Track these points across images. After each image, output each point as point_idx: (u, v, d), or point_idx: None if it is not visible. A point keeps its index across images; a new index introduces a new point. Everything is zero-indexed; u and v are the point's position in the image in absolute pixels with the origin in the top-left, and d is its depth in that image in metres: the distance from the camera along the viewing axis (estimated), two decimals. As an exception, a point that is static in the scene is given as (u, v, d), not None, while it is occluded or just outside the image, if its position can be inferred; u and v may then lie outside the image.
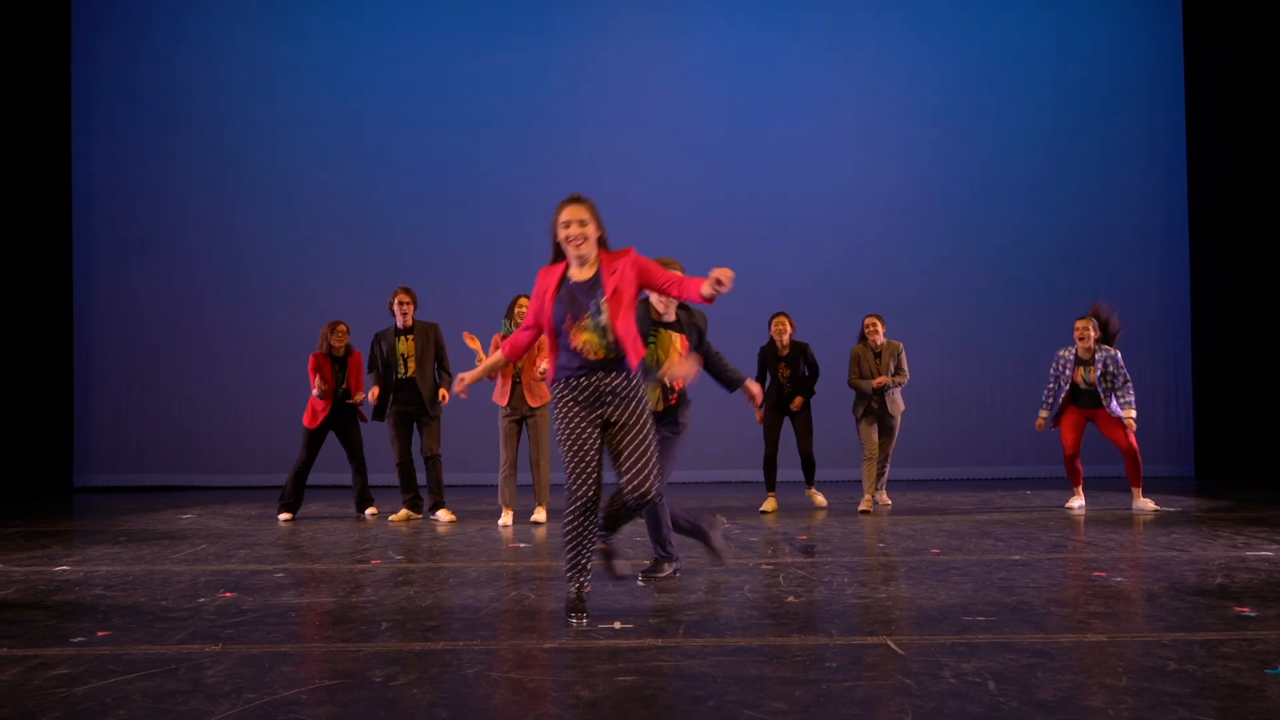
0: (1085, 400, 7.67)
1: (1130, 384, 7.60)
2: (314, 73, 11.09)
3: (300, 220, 10.97)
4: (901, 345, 7.91)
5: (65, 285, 10.76)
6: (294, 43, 11.11)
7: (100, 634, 3.70)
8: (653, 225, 10.63)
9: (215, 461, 10.71)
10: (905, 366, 7.85)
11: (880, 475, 7.95)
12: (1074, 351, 7.69)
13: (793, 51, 11.15)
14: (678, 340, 4.66)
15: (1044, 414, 7.80)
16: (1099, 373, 7.56)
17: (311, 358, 7.69)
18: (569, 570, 3.92)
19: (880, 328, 7.82)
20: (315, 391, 7.59)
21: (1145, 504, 7.61)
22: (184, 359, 10.84)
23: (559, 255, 3.96)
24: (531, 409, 7.04)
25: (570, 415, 3.87)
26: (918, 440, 10.07)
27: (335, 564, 5.41)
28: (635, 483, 3.84)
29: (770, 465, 7.89)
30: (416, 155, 11.01)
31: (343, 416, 7.79)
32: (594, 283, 3.88)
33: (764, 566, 5.13)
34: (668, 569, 4.74)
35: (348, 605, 4.21)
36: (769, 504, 7.81)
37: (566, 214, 3.89)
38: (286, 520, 7.48)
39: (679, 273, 4.04)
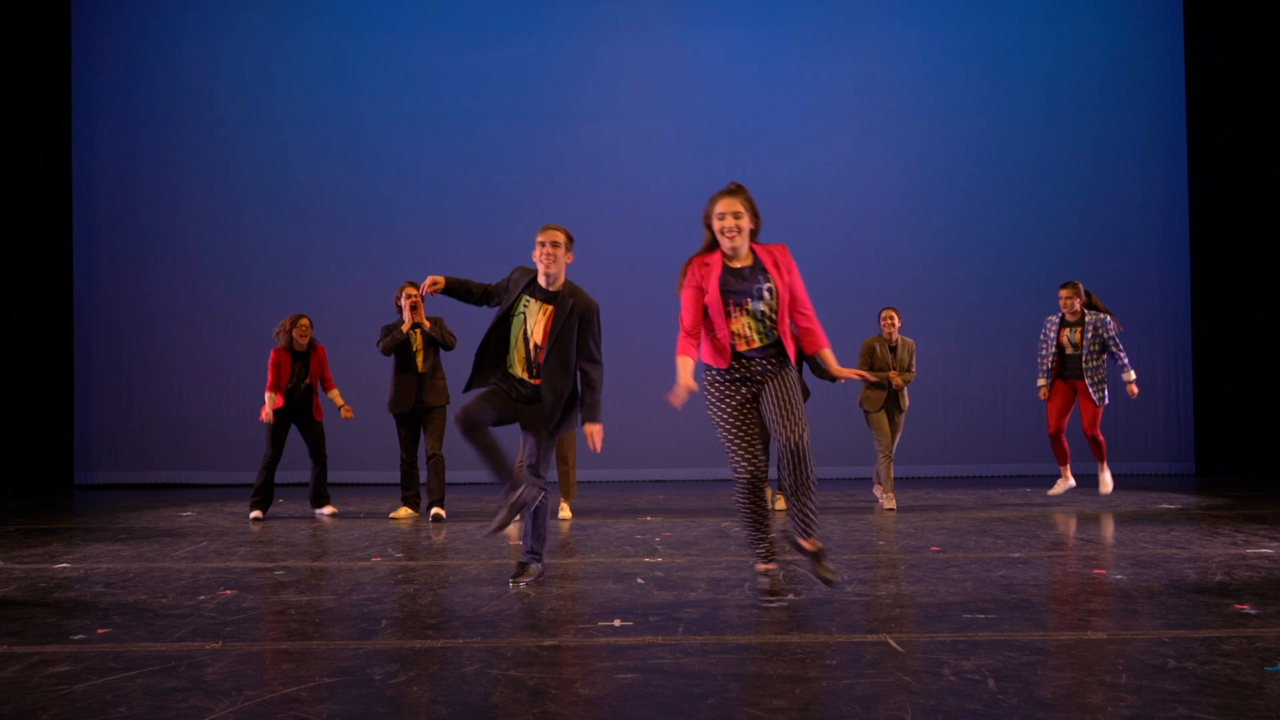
0: (1070, 369, 7.69)
1: (1122, 350, 7.62)
2: (314, 68, 11.07)
3: (301, 216, 10.96)
4: (914, 343, 7.82)
5: (66, 282, 10.75)
6: (295, 38, 11.09)
7: (100, 631, 3.70)
8: (651, 220, 10.67)
9: (216, 459, 10.71)
10: (914, 365, 7.76)
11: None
12: (1060, 315, 7.77)
13: (790, 48, 11.13)
14: (543, 317, 4.46)
15: (1043, 382, 7.82)
16: (1087, 335, 7.58)
17: (272, 353, 7.43)
18: (750, 550, 4.15)
19: (897, 321, 7.66)
20: (268, 399, 7.33)
21: (1105, 481, 7.77)
22: (184, 356, 10.83)
23: (712, 245, 4.06)
24: None
25: (726, 396, 4.04)
26: (917, 437, 10.06)
27: (335, 561, 5.41)
28: (786, 430, 3.93)
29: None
30: (417, 151, 10.99)
31: (304, 417, 7.56)
32: (755, 269, 4.00)
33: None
34: (536, 569, 4.63)
35: (347, 603, 4.21)
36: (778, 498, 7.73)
37: (721, 206, 4.00)
38: (257, 519, 7.35)
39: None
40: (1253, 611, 3.82)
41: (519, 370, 4.50)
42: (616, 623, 3.76)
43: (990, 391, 10.92)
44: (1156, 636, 3.44)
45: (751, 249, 4.04)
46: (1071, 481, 7.97)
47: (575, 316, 4.47)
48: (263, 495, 7.48)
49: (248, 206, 10.98)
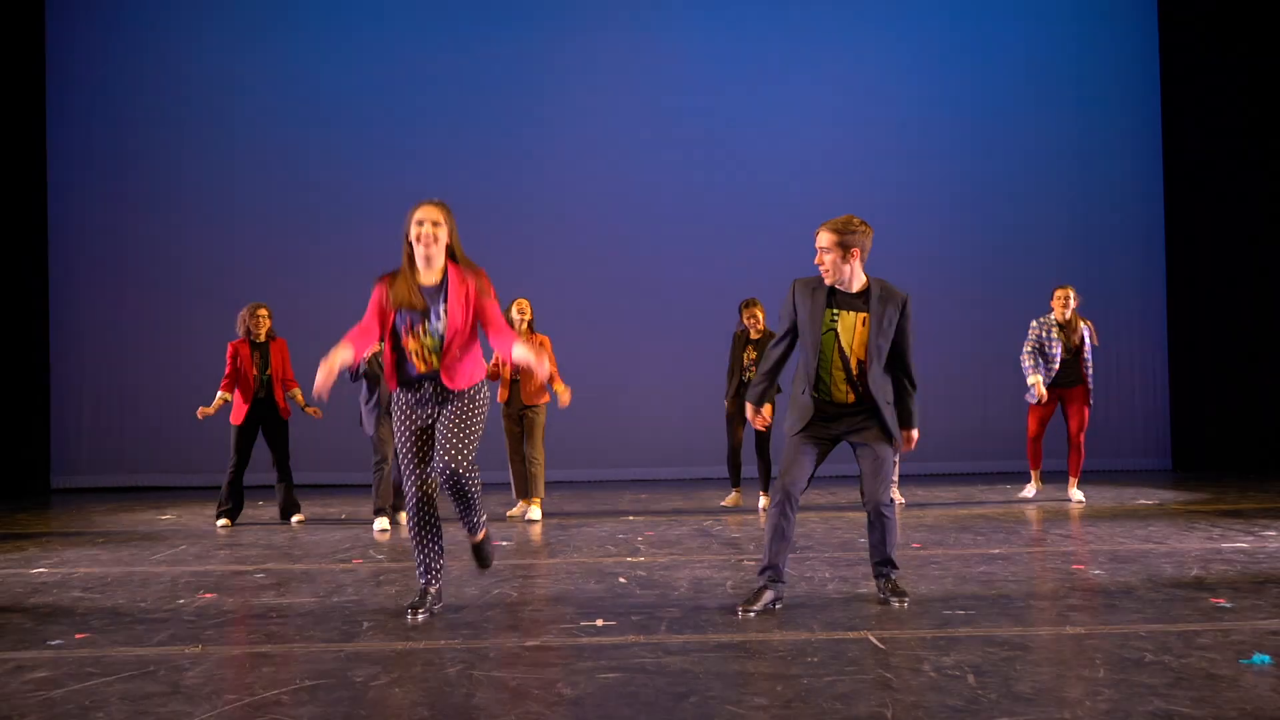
0: (1063, 375, 7.59)
1: (1091, 361, 7.67)
2: (290, 69, 10.99)
3: (280, 218, 10.88)
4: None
5: (42, 285, 10.64)
6: (271, 39, 11.01)
7: (78, 636, 3.68)
8: (635, 221, 10.68)
9: (194, 462, 10.60)
10: None
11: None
12: (1053, 318, 7.62)
13: (771, 51, 11.15)
14: (861, 327, 4.15)
15: (1036, 379, 7.53)
16: (1079, 339, 7.56)
17: (230, 345, 7.25)
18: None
19: None
20: (219, 394, 7.20)
21: (1075, 494, 7.71)
22: (162, 359, 10.74)
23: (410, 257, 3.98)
24: (528, 406, 7.10)
25: (402, 417, 3.93)
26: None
27: (316, 564, 5.39)
28: (446, 459, 3.74)
29: (734, 460, 7.68)
30: (395, 152, 10.89)
31: (271, 416, 7.35)
32: (439, 289, 3.90)
33: (745, 562, 5.14)
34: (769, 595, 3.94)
35: (329, 605, 4.20)
36: (731, 499, 7.73)
37: (420, 214, 3.93)
38: (225, 528, 7.12)
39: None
40: (1228, 605, 3.86)
41: (841, 393, 4.02)
42: (599, 622, 3.76)
43: (970, 390, 10.97)
44: (1133, 631, 3.48)
45: (447, 265, 3.91)
46: (1038, 486, 8.06)
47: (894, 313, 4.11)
48: (231, 505, 7.28)
49: (227, 209, 10.89)
